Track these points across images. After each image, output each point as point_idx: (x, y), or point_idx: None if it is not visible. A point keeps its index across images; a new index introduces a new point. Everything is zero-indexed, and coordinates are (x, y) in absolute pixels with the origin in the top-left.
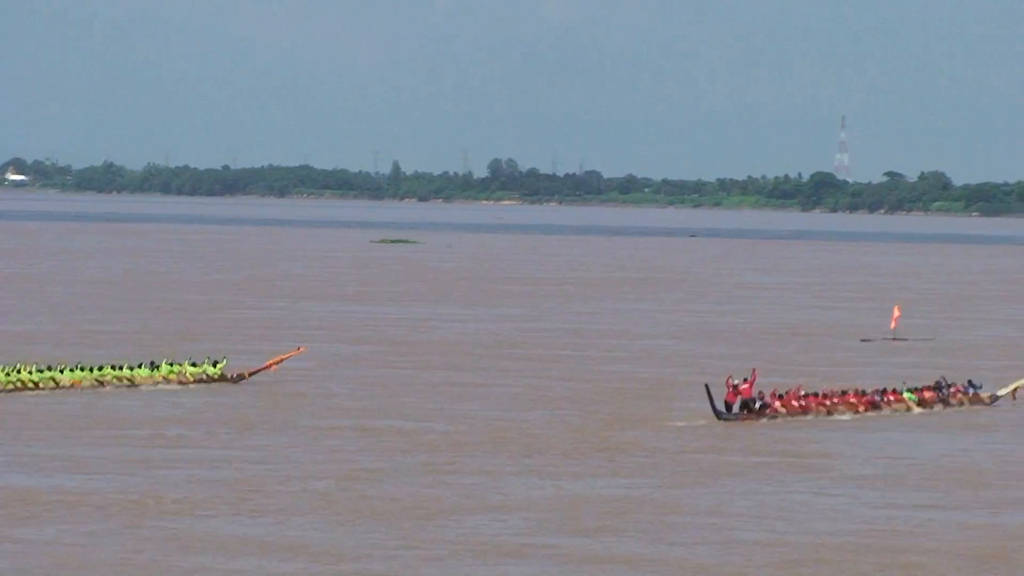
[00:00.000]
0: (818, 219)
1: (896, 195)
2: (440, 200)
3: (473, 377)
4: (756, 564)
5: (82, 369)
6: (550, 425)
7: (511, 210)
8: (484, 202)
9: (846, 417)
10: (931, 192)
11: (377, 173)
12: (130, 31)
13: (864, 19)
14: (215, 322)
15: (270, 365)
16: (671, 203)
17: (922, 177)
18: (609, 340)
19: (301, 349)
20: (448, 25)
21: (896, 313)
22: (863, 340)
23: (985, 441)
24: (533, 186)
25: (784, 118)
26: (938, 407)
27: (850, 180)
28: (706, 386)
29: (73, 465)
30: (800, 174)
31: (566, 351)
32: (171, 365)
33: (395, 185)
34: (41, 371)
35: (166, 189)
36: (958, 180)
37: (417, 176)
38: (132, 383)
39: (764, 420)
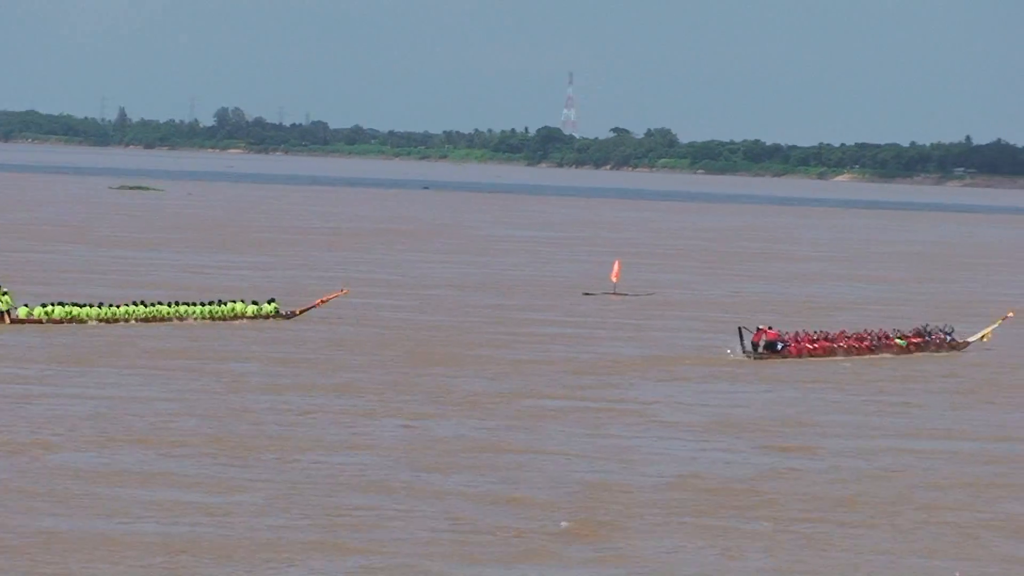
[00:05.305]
0: (545, 173)
1: (622, 151)
2: (166, 148)
3: (273, 323)
4: (569, 497)
5: (163, 304)
6: (372, 369)
7: (238, 159)
8: (210, 151)
9: (851, 357)
10: (657, 149)
11: (103, 120)
12: None
13: None
14: None
15: (318, 304)
16: (397, 155)
17: (649, 134)
18: (393, 289)
19: (344, 291)
20: None
21: (616, 268)
22: (585, 293)
23: (798, 394)
24: (260, 135)
25: (512, 73)
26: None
27: (577, 135)
28: (739, 328)
29: None
30: (527, 128)
31: (357, 299)
32: (235, 303)
33: (121, 132)
34: (136, 305)
35: None
36: (684, 138)
37: (143, 123)
38: (212, 318)
39: (781, 359)
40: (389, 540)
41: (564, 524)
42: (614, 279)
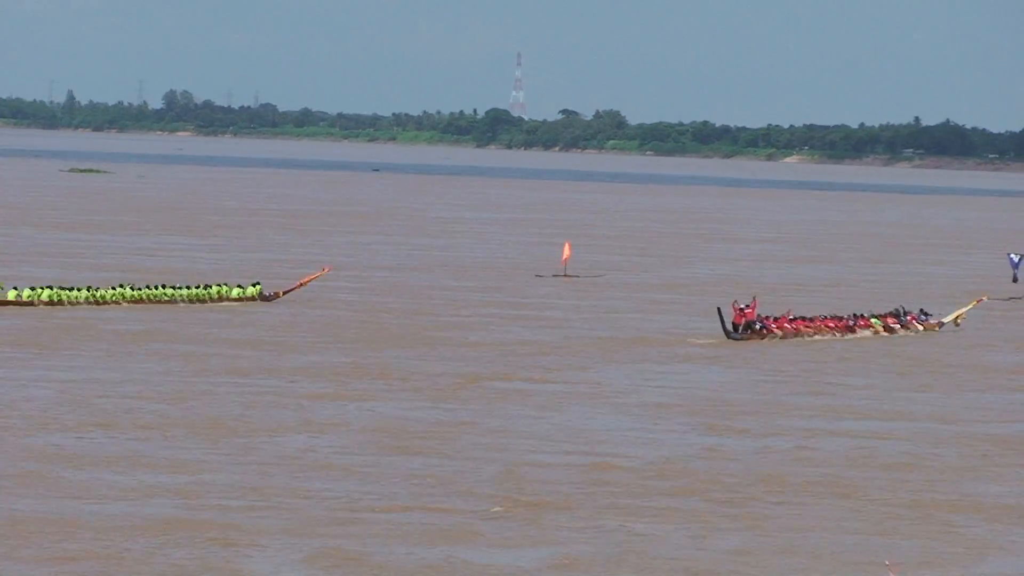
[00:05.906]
0: (494, 155)
1: (571, 133)
2: (115, 131)
3: (239, 306)
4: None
5: (151, 287)
6: (332, 352)
7: (187, 142)
8: (159, 133)
9: (827, 338)
10: (606, 131)
11: (52, 102)
12: None
13: None
14: None
15: (299, 285)
16: (346, 137)
17: (597, 116)
18: (348, 271)
19: (326, 270)
20: None
21: (566, 250)
22: (537, 275)
23: (735, 376)
24: (208, 118)
25: (460, 55)
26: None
27: (525, 117)
28: (718, 309)
29: None
30: (475, 110)
31: (315, 281)
32: (219, 287)
33: (70, 115)
34: (114, 288)
35: None
36: (633, 119)
37: (92, 106)
38: (198, 300)
39: (765, 339)
40: (354, 522)
41: (496, 509)
42: (564, 261)
